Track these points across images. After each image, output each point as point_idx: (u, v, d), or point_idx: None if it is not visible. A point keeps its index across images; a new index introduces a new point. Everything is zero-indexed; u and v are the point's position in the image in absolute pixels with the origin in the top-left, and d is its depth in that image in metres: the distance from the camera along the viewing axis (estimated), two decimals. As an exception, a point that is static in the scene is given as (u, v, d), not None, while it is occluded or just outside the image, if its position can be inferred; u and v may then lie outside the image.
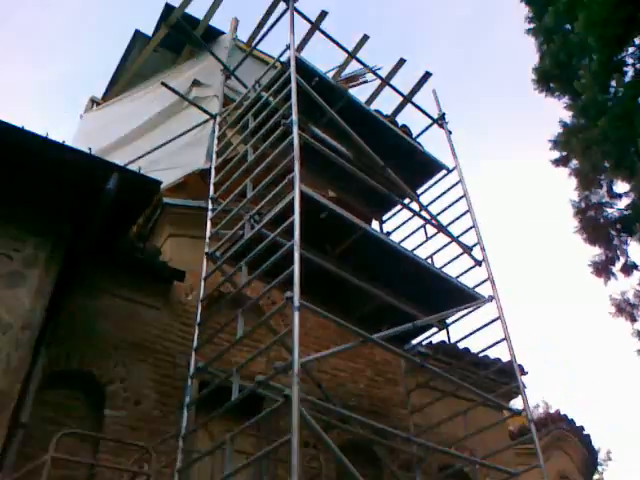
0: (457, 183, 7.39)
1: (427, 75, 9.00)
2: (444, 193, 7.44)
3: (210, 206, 6.04)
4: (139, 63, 9.58)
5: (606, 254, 9.98)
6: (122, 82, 9.91)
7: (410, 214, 7.25)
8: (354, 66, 9.66)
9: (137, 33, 9.61)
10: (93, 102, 10.56)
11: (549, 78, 9.80)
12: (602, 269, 10.00)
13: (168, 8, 8.78)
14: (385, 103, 16.17)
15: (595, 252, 10.08)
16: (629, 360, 35.58)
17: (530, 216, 38.37)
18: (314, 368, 6.11)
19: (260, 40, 8.19)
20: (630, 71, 8.84)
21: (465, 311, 6.36)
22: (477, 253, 6.78)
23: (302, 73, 6.15)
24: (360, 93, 11.99)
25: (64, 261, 4.90)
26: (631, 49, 8.73)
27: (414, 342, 6.82)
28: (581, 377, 35.55)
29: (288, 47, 6.49)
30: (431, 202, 7.38)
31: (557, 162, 10.17)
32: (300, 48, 8.59)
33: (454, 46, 36.76)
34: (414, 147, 7.60)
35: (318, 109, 6.31)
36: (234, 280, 5.40)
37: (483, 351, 6.74)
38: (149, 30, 9.37)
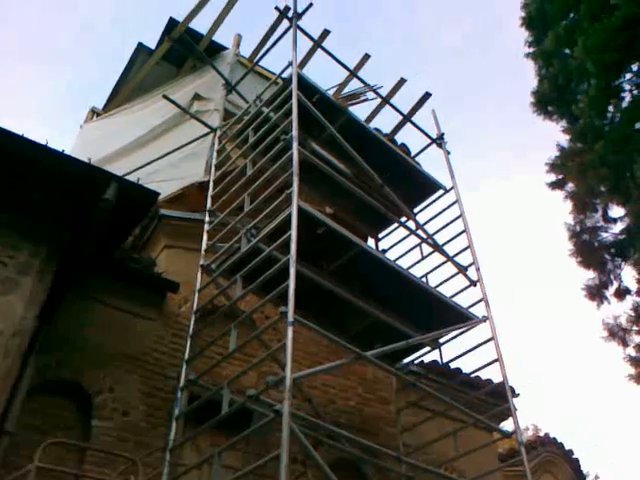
0: (454, 203, 7.44)
1: (427, 95, 9.08)
2: (441, 213, 7.49)
3: (207, 219, 6.05)
4: (141, 75, 9.63)
5: (600, 278, 10.03)
6: (123, 94, 9.94)
7: (406, 232, 7.28)
8: (355, 84, 9.74)
9: (140, 46, 9.69)
10: (94, 113, 10.58)
11: (547, 102, 9.91)
12: (595, 293, 10.04)
13: (172, 22, 8.87)
14: (385, 122, 16.34)
15: (589, 275, 10.15)
16: (618, 385, 35.46)
17: (526, 237, 38.51)
18: (304, 383, 6.08)
19: (262, 56, 8.26)
20: (627, 97, 8.96)
21: (458, 331, 6.36)
22: (472, 273, 6.81)
23: (303, 90, 6.21)
24: (360, 111, 12.09)
25: (58, 269, 4.89)
26: (629, 75, 8.85)
27: (406, 361, 6.81)
28: (571, 400, 35.40)
29: (290, 64, 6.55)
30: (427, 221, 7.44)
31: (553, 185, 10.26)
32: (302, 65, 8.65)
33: (454, 66, 37.11)
34: (412, 166, 7.65)
35: (318, 126, 6.36)
36: (228, 293, 5.40)
37: (475, 372, 6.72)
38: (152, 43, 9.47)
